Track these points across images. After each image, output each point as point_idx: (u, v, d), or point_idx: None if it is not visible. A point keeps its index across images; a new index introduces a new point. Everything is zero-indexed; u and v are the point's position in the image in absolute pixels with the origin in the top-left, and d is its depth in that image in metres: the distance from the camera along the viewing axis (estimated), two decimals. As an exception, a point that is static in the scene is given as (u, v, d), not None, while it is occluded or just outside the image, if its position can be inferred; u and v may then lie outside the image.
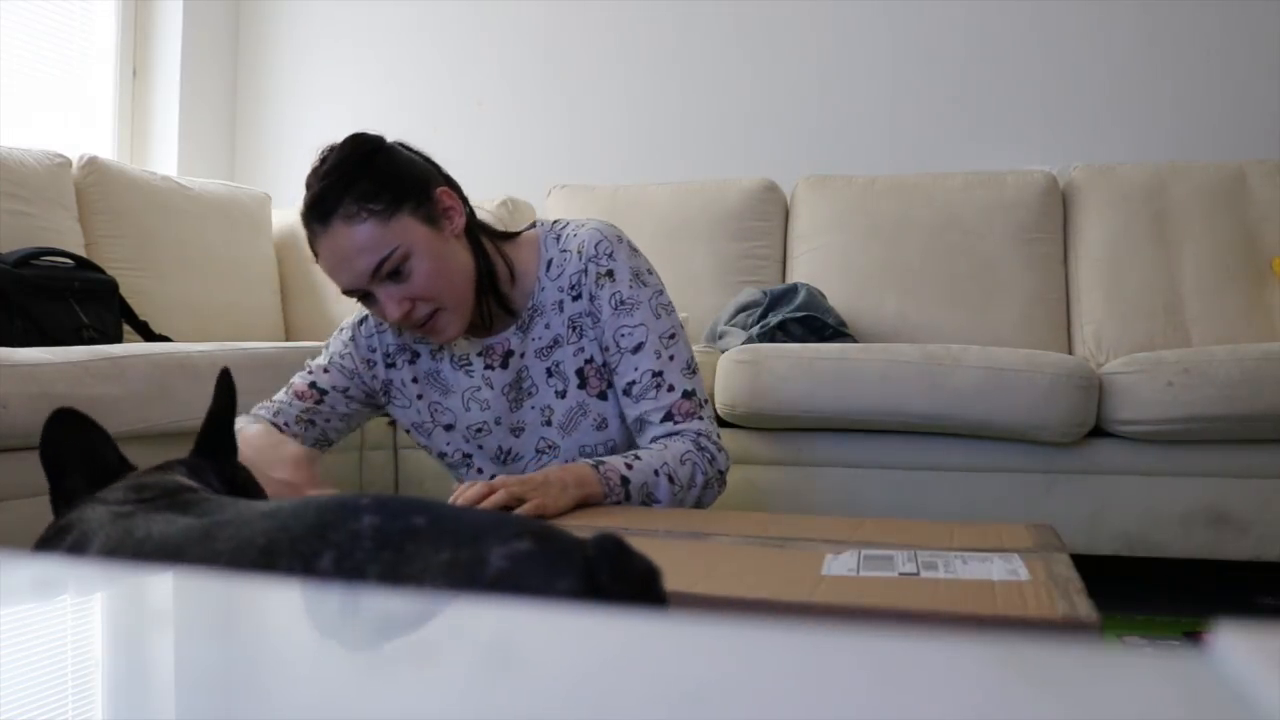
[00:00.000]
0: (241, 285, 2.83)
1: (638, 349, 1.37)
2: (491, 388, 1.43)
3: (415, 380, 1.46)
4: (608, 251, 1.39)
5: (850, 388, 1.96)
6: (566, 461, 1.39)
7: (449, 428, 1.46)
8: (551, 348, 1.41)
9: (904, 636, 0.34)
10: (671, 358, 1.38)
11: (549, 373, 1.42)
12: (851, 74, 2.98)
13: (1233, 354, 1.92)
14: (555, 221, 1.47)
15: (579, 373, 1.41)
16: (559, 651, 0.34)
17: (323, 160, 1.31)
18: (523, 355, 1.42)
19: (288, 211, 3.15)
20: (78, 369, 1.60)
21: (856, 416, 1.98)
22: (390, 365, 1.46)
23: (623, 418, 1.41)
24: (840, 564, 0.96)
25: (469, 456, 1.47)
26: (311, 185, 1.29)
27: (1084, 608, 0.81)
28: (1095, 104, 2.84)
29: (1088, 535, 1.94)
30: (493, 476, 1.45)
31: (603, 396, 1.41)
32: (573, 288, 1.40)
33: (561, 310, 1.41)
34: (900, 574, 0.92)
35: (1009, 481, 1.96)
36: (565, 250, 1.41)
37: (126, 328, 2.28)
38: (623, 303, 1.38)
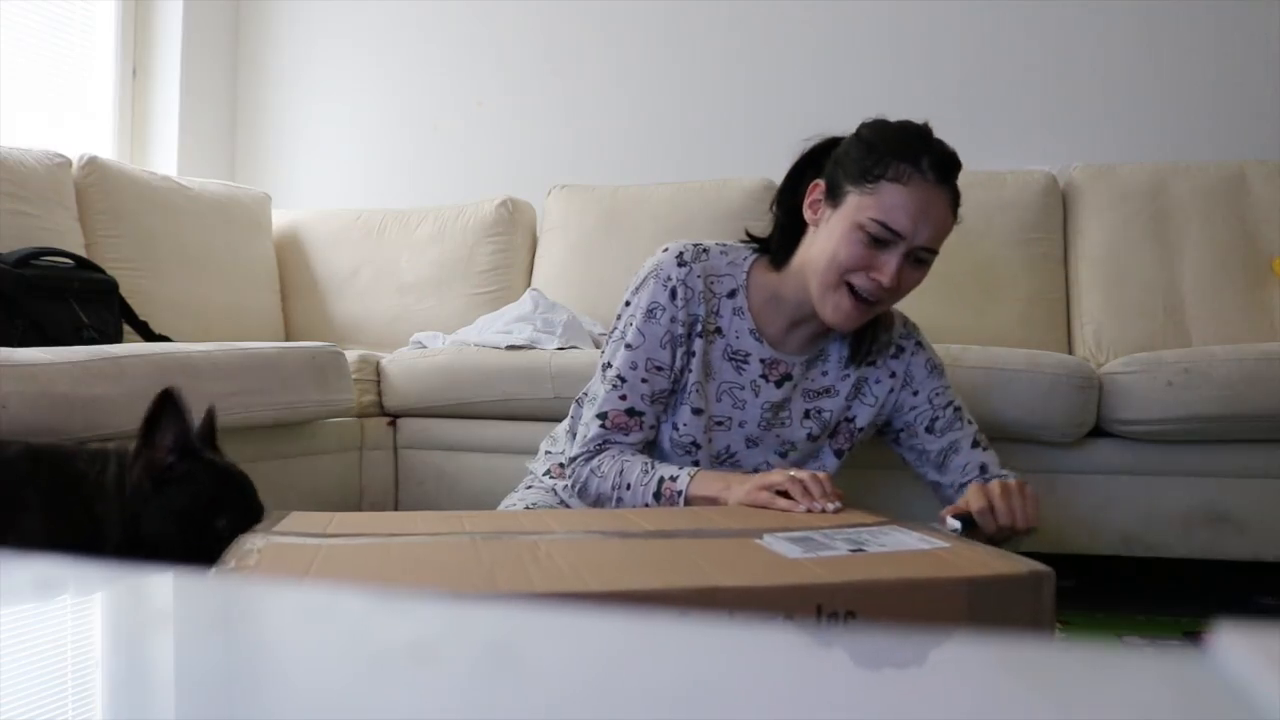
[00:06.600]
0: (241, 285, 2.83)
1: (948, 406, 1.51)
2: (755, 394, 1.46)
3: (692, 354, 1.44)
4: (913, 326, 1.55)
5: (850, 388, 1.95)
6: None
7: (697, 411, 1.44)
8: (821, 394, 1.49)
9: (903, 636, 0.34)
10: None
11: (806, 414, 1.48)
12: (851, 74, 2.98)
13: (1233, 354, 1.92)
14: None
15: (835, 425, 1.50)
16: (559, 651, 0.34)
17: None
18: (795, 386, 1.47)
19: (288, 211, 3.15)
20: (78, 369, 1.59)
21: (856, 416, 1.97)
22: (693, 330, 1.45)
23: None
24: (787, 551, 0.95)
25: (695, 446, 1.45)
26: (940, 143, 1.34)
27: (1026, 563, 0.91)
28: (1095, 104, 2.84)
29: (1088, 535, 1.94)
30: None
31: (839, 454, 1.52)
32: (870, 354, 1.49)
33: (849, 367, 1.49)
34: (850, 551, 0.95)
35: (1009, 481, 1.96)
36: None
37: (126, 328, 2.28)
38: (935, 367, 1.52)
